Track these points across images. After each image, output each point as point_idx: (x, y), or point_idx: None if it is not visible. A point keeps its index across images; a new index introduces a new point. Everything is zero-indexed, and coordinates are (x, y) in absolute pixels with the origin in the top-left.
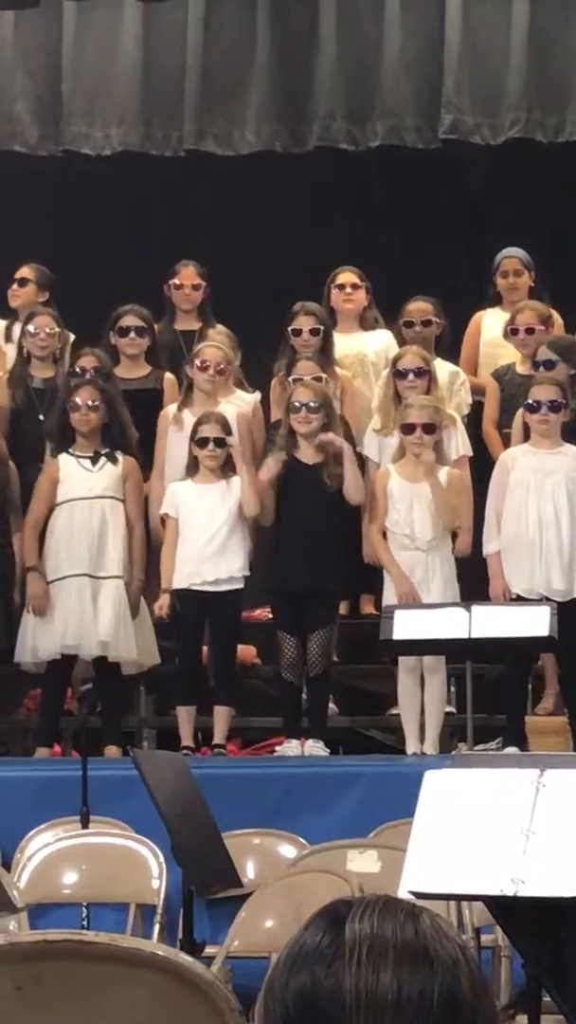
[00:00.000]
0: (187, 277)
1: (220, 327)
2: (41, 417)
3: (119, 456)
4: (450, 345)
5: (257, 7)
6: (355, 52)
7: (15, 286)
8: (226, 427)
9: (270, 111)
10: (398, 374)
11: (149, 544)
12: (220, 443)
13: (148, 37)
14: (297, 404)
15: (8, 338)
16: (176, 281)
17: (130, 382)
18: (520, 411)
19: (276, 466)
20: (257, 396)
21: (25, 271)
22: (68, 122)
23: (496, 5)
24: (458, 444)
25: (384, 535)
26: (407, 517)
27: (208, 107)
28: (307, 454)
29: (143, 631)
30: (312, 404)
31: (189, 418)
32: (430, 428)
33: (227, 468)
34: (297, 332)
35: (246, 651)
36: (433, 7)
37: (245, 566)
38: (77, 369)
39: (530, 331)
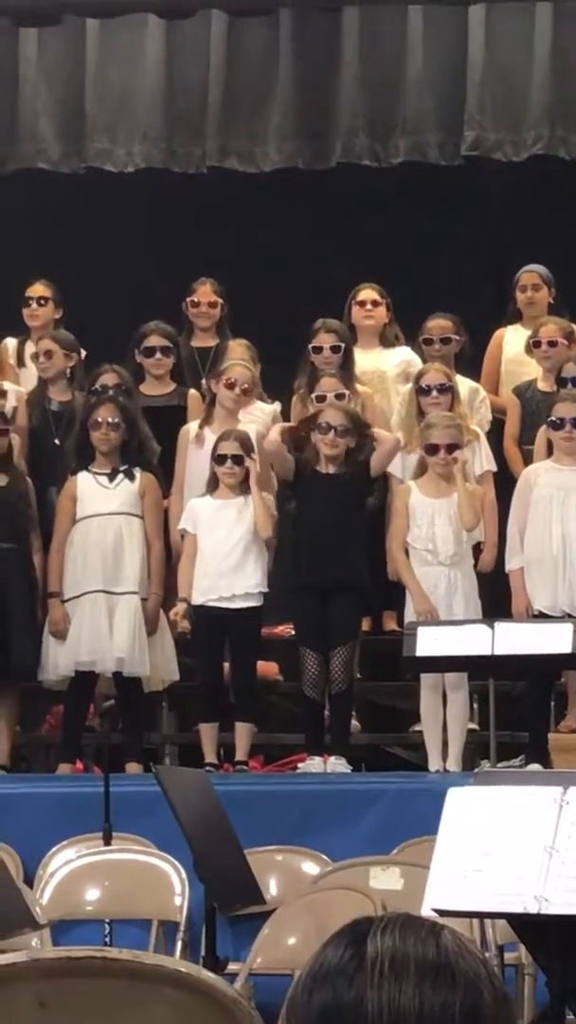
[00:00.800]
0: (204, 295)
1: (241, 340)
2: (57, 441)
3: (137, 472)
4: (470, 361)
5: (279, 24)
6: (377, 69)
7: (34, 305)
8: (245, 445)
9: (292, 128)
10: (421, 391)
11: (169, 560)
12: (238, 460)
13: (171, 54)
14: (325, 425)
15: (20, 361)
16: (193, 299)
17: (155, 399)
18: (543, 428)
19: (280, 433)
20: (277, 407)
21: (43, 289)
22: (91, 139)
23: (518, 22)
24: (482, 460)
25: (406, 552)
26: (428, 532)
27: (230, 124)
28: (326, 465)
29: (162, 647)
30: (342, 427)
31: (210, 436)
32: (453, 448)
33: (246, 485)
34: (318, 349)
35: (268, 668)
36: (456, 24)
37: (263, 583)
38: (99, 387)
39: (552, 344)
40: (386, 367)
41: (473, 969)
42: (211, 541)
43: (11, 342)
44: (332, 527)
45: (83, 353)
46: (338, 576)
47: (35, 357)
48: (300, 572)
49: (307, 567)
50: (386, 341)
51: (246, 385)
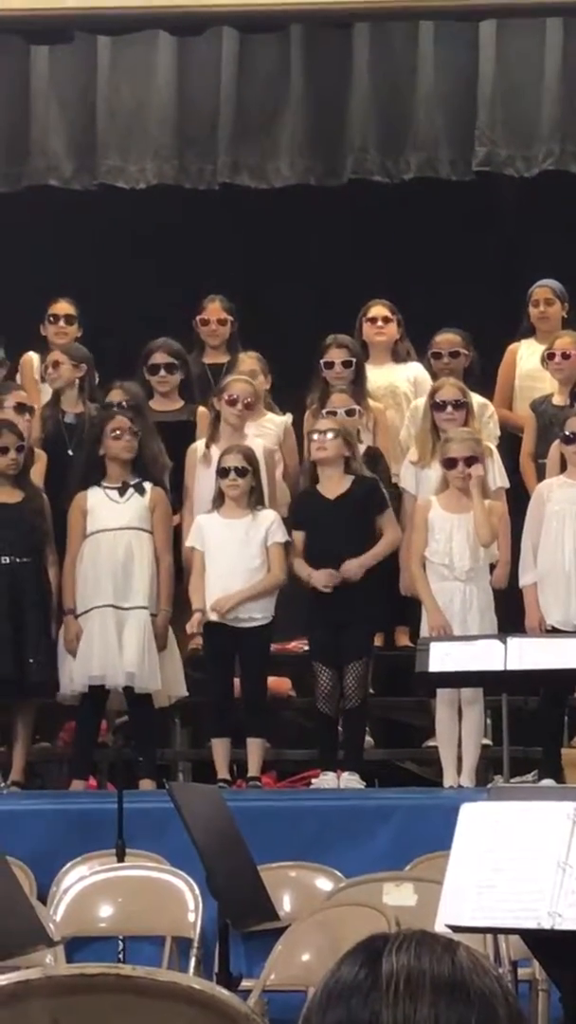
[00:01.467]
0: (213, 312)
1: (251, 352)
2: (70, 452)
3: (147, 487)
4: (479, 377)
5: (291, 41)
6: (388, 85)
7: (62, 323)
8: (250, 459)
9: (304, 144)
10: (436, 406)
11: (180, 576)
12: (241, 473)
13: (182, 71)
14: (315, 435)
15: (44, 377)
16: (203, 316)
17: (163, 414)
18: (556, 443)
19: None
20: (288, 418)
21: (69, 307)
22: (103, 156)
23: (529, 38)
24: (495, 476)
25: (423, 566)
26: (446, 547)
27: (242, 140)
28: (329, 487)
29: (171, 662)
30: (330, 431)
31: (217, 454)
32: (472, 461)
33: (253, 500)
34: (329, 365)
35: (281, 683)
36: (466, 40)
37: (270, 606)
38: (109, 402)
39: (566, 356)
40: (398, 382)
41: (488, 986)
42: (219, 561)
43: (35, 357)
44: (341, 556)
45: (86, 367)
46: (350, 612)
47: (45, 369)
48: (312, 606)
49: (318, 602)
50: (398, 357)
51: (248, 400)
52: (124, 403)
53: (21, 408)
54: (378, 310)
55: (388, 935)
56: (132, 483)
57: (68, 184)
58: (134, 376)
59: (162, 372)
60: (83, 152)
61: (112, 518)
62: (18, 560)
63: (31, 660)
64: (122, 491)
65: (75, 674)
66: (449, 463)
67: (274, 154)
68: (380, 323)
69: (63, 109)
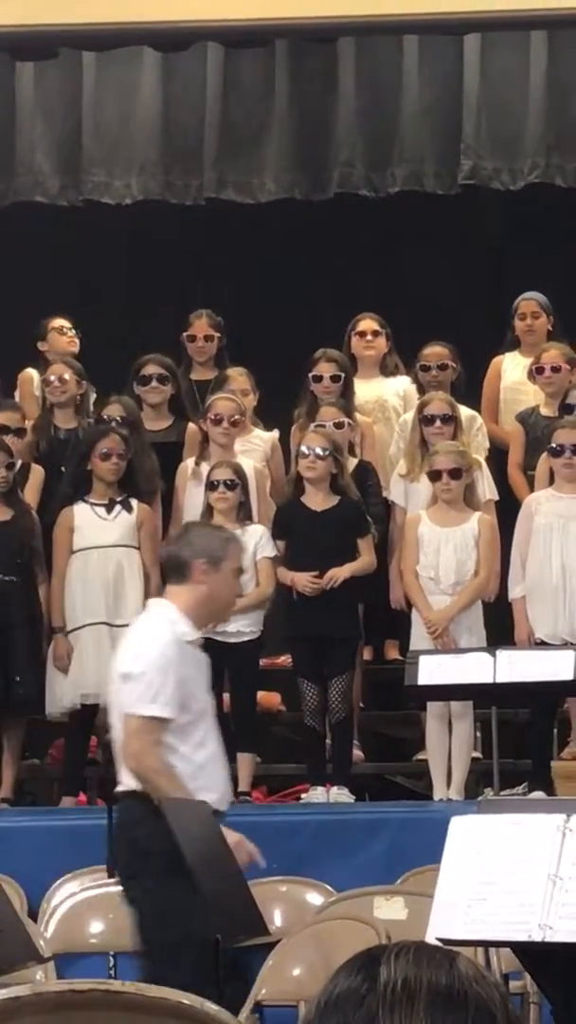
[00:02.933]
0: (200, 329)
1: (239, 368)
2: (63, 468)
3: (134, 504)
4: (466, 390)
5: (275, 55)
6: (374, 99)
7: (71, 334)
8: (239, 473)
9: (289, 159)
10: (424, 420)
11: None
12: (230, 486)
13: (167, 87)
14: (305, 450)
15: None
16: (190, 332)
17: (152, 434)
18: (544, 455)
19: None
20: (275, 434)
21: (66, 322)
22: (88, 172)
23: (513, 51)
24: (484, 488)
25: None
26: (433, 561)
27: (227, 155)
28: (314, 500)
29: None
30: (320, 451)
31: (207, 470)
32: (456, 473)
33: (242, 515)
34: (318, 379)
35: (270, 698)
36: (451, 54)
37: (258, 620)
38: (105, 416)
39: (556, 369)
40: (387, 396)
41: (487, 996)
42: None
43: (34, 373)
44: (322, 567)
45: (84, 384)
46: (330, 629)
47: (46, 382)
48: (291, 621)
49: (298, 616)
50: (386, 370)
51: (234, 417)
52: (120, 419)
53: (6, 430)
54: (367, 324)
55: (387, 946)
56: (119, 499)
57: (54, 200)
58: (121, 392)
59: (154, 383)
60: (69, 168)
61: (100, 535)
62: (6, 578)
63: (18, 678)
64: (109, 508)
65: (67, 691)
66: (434, 475)
67: (260, 169)
68: (369, 337)
69: (48, 125)
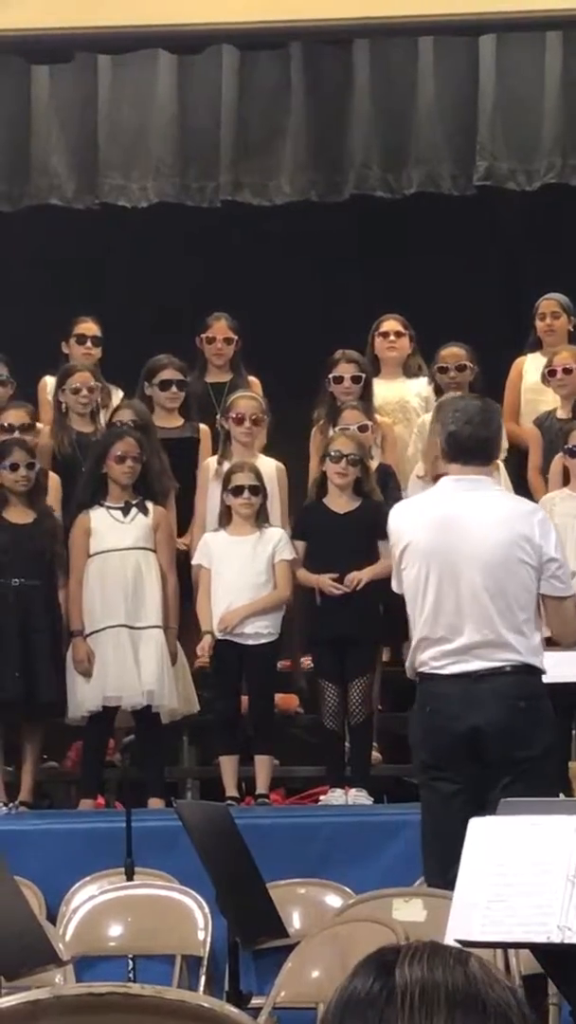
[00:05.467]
0: (219, 331)
1: (253, 379)
2: (84, 470)
3: (149, 506)
4: (484, 391)
5: (291, 57)
6: (389, 100)
7: (88, 344)
8: (259, 477)
9: (305, 161)
10: None
11: (186, 594)
12: (255, 491)
13: (183, 89)
14: (336, 454)
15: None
16: (208, 335)
17: (167, 431)
18: (558, 456)
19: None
20: (276, 465)
21: (95, 327)
22: (104, 175)
23: (529, 51)
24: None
25: None
26: None
27: (243, 158)
28: (337, 503)
29: (182, 679)
30: (353, 456)
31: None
32: None
33: (261, 519)
34: (339, 379)
35: (289, 700)
36: (466, 54)
37: (276, 623)
38: (117, 422)
39: (568, 371)
40: (409, 397)
41: (503, 999)
42: (225, 577)
43: (51, 380)
44: (343, 569)
45: (120, 392)
46: (351, 631)
47: (76, 391)
48: (313, 624)
49: (320, 618)
50: (409, 371)
51: (255, 416)
52: (132, 423)
53: (25, 427)
54: (391, 324)
55: (399, 947)
56: (134, 502)
57: (70, 203)
58: (135, 392)
59: (174, 388)
60: (85, 171)
61: (117, 538)
62: (28, 582)
63: (40, 682)
64: (125, 511)
65: (89, 694)
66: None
67: (275, 171)
68: (392, 337)
69: (64, 128)
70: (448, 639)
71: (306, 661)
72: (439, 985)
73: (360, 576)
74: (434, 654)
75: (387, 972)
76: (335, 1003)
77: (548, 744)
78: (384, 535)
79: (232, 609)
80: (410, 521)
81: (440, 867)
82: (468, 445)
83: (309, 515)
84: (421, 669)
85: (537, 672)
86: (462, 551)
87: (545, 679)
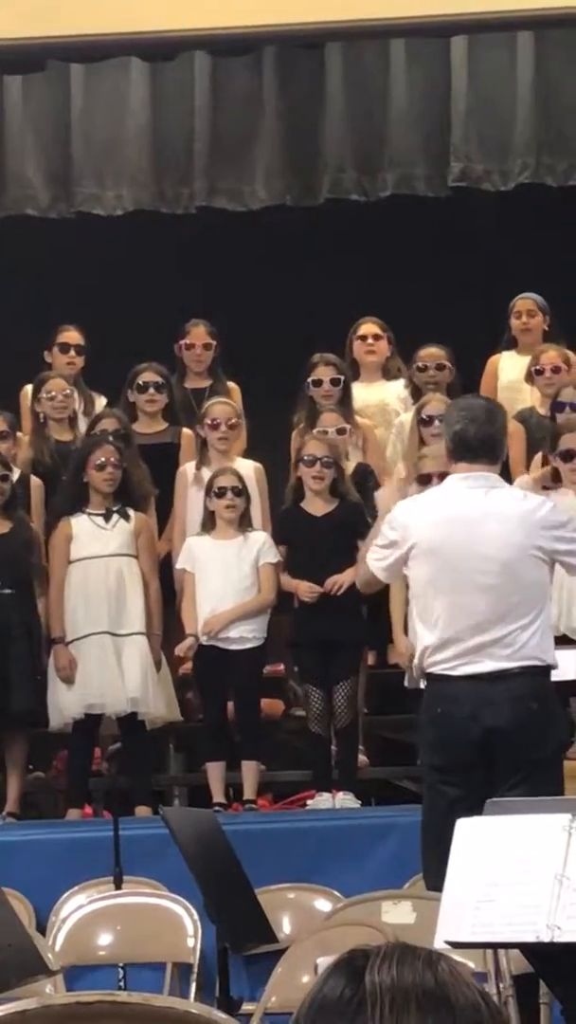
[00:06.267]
0: (197, 336)
1: (232, 385)
2: (64, 479)
3: (131, 513)
4: (461, 392)
5: (263, 63)
6: (362, 104)
7: (72, 353)
8: (241, 480)
9: (279, 165)
10: (423, 421)
11: (174, 600)
12: (238, 493)
13: (156, 97)
14: (309, 458)
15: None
16: (187, 341)
17: (148, 436)
18: (539, 455)
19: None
20: (255, 466)
21: (78, 336)
22: (79, 184)
23: (501, 52)
24: None
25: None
26: None
27: (218, 164)
28: (315, 506)
29: (164, 686)
30: (327, 459)
31: (208, 475)
32: (447, 477)
33: (244, 522)
34: (318, 383)
35: (274, 705)
36: (438, 57)
37: (262, 627)
38: (98, 431)
39: (556, 370)
40: (389, 399)
41: (471, 1001)
42: (210, 582)
43: (31, 389)
44: (324, 573)
45: (103, 399)
46: (334, 634)
47: (51, 398)
48: (294, 627)
49: (301, 622)
50: (388, 374)
51: (232, 420)
52: (112, 431)
53: (3, 436)
54: (368, 327)
55: (368, 950)
56: (115, 509)
57: (45, 213)
58: (118, 400)
59: (151, 391)
60: (59, 181)
61: (100, 545)
62: (3, 591)
63: (15, 691)
64: (107, 517)
65: (71, 702)
66: (423, 479)
67: (250, 176)
68: (371, 340)
69: (38, 138)
70: (459, 639)
71: (291, 665)
72: (408, 991)
73: (341, 580)
74: (445, 655)
75: (357, 978)
76: (306, 1008)
77: (557, 744)
78: (363, 535)
79: (216, 615)
80: (418, 519)
81: (442, 870)
82: (474, 444)
83: (287, 520)
84: (431, 670)
85: (547, 671)
86: (472, 549)
87: None
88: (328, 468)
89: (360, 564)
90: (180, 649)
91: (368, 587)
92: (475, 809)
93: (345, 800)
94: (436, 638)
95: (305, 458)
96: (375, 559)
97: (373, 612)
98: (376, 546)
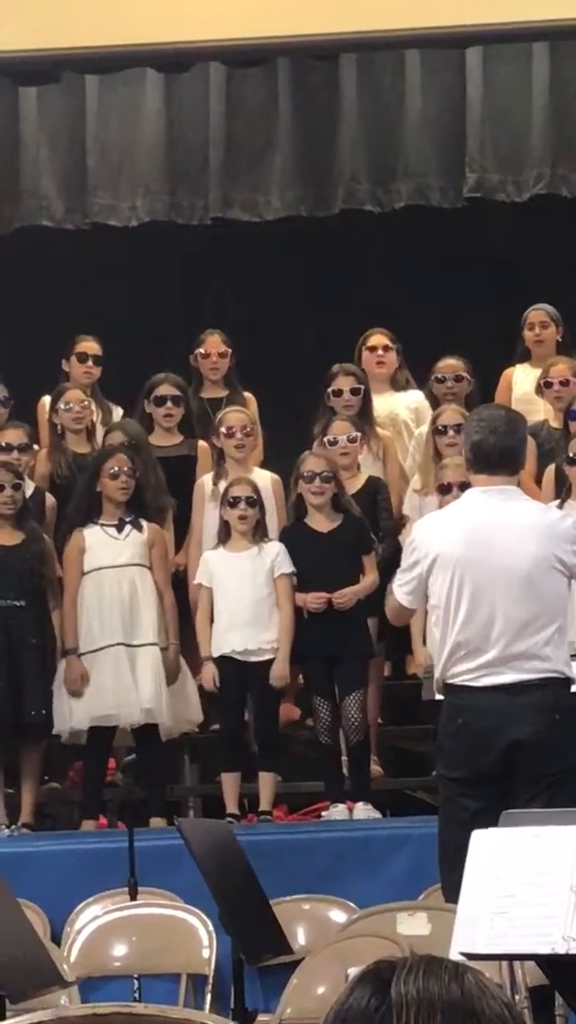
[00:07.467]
0: (213, 346)
1: (248, 395)
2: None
3: (143, 523)
4: (480, 403)
5: (278, 74)
6: (377, 114)
7: (89, 363)
8: (256, 490)
9: (294, 176)
10: (438, 431)
11: (188, 613)
12: (251, 503)
13: (170, 108)
14: (308, 474)
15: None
16: (202, 350)
17: (165, 449)
18: (551, 467)
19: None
20: (271, 476)
21: (96, 346)
22: (94, 195)
23: (516, 63)
24: None
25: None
26: None
27: (232, 175)
28: (318, 522)
29: (185, 694)
30: (325, 474)
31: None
32: (467, 487)
33: (259, 533)
34: (338, 393)
35: (290, 710)
36: (453, 67)
37: (277, 638)
38: (108, 445)
39: (565, 383)
40: (399, 411)
41: (498, 1013)
42: (227, 594)
43: (49, 400)
44: (330, 588)
45: (120, 410)
46: (340, 647)
47: (68, 409)
48: (302, 641)
49: (308, 636)
50: (397, 385)
51: (247, 428)
52: (124, 444)
53: (23, 448)
54: (378, 339)
55: (394, 961)
56: (128, 519)
57: (60, 224)
58: (134, 410)
59: (169, 404)
60: (74, 191)
61: (112, 556)
62: (14, 603)
63: (28, 703)
64: (120, 528)
65: (82, 713)
66: (444, 488)
67: (265, 187)
68: (380, 352)
69: (53, 149)
70: (481, 651)
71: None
72: (435, 1002)
73: (347, 595)
74: (467, 666)
75: (383, 989)
76: (332, 1018)
77: None
78: (368, 550)
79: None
80: (438, 533)
81: (460, 883)
82: (493, 456)
83: (291, 536)
84: (452, 681)
85: (568, 683)
86: (494, 562)
87: None
88: (327, 483)
89: (388, 596)
90: (202, 680)
91: (398, 619)
92: (493, 821)
93: (364, 810)
94: (457, 649)
95: (304, 474)
96: (399, 585)
97: (386, 623)
98: (400, 571)
